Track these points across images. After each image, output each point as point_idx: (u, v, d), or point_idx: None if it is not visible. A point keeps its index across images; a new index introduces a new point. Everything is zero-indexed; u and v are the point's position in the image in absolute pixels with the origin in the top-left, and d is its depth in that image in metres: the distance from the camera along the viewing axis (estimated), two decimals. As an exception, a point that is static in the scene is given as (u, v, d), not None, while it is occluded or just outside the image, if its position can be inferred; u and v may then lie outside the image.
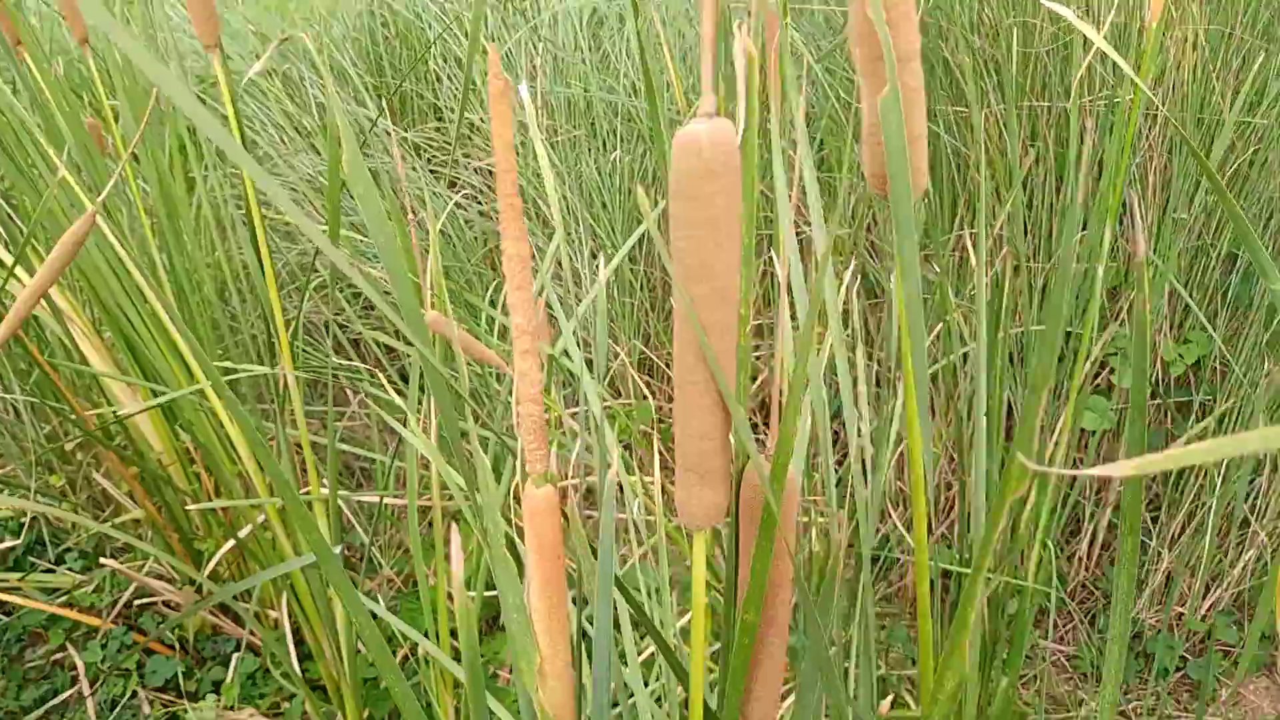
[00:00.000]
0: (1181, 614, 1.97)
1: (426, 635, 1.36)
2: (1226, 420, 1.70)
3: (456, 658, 1.39)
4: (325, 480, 1.29)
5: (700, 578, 0.42)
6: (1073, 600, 1.98)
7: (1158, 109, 1.66)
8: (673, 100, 2.24)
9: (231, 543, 1.39)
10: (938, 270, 1.68)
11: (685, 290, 0.34)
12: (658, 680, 0.98)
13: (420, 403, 1.25)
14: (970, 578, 0.33)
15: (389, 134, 2.58)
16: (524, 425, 0.37)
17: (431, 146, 2.57)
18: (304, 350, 2.03)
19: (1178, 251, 1.77)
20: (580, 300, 2.07)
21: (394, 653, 1.42)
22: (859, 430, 0.51)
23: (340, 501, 1.43)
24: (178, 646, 1.52)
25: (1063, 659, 1.95)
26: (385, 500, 1.41)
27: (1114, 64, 1.66)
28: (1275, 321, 1.73)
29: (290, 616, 1.49)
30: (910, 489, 0.46)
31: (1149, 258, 1.72)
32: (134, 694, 1.46)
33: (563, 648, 0.40)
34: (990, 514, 0.30)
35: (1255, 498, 1.86)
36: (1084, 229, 1.53)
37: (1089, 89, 1.71)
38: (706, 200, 0.33)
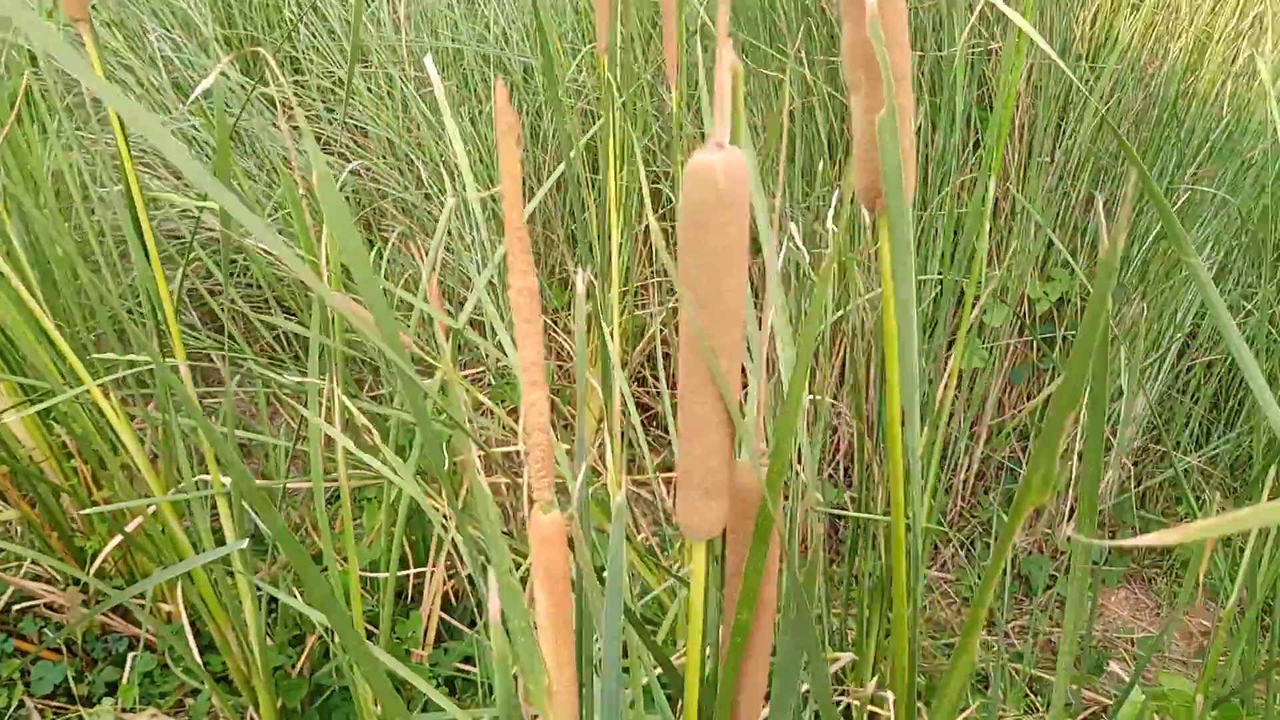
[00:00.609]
0: (1049, 534, 2.10)
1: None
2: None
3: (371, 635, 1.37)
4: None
5: (700, 586, 0.42)
6: (951, 528, 2.09)
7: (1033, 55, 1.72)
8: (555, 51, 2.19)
9: (119, 539, 1.33)
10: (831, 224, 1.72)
11: (695, 314, 0.34)
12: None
13: (322, 381, 1.21)
14: (982, 586, 0.35)
15: (243, 88, 2.45)
16: (532, 454, 0.37)
17: (293, 102, 2.45)
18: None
19: (1041, 191, 1.86)
20: (481, 266, 2.03)
21: (301, 639, 1.39)
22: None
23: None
24: (64, 649, 1.45)
25: (945, 585, 2.06)
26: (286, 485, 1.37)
27: (986, 13, 1.71)
28: (1136, 258, 1.84)
29: (187, 608, 1.43)
30: (890, 483, 0.47)
31: (1015, 196, 1.80)
32: (20, 704, 1.39)
33: (569, 667, 0.41)
34: (1007, 526, 0.32)
35: (1114, 422, 1.99)
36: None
37: (959, 37, 1.76)
38: (718, 229, 0.33)
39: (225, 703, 1.32)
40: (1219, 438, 2.10)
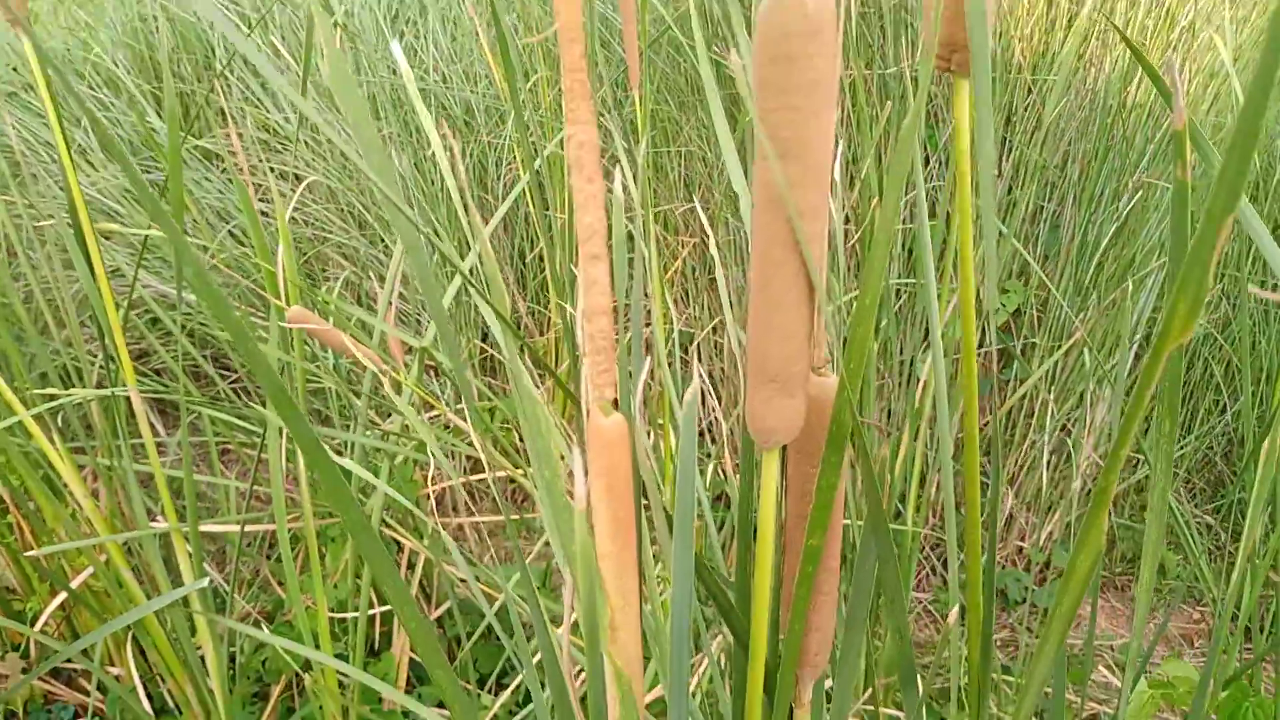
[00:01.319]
0: (1022, 547, 2.09)
1: (306, 664, 1.26)
2: (1049, 361, 1.81)
3: (342, 683, 1.29)
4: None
5: (770, 501, 0.38)
6: (925, 548, 2.06)
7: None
8: (491, 84, 2.18)
9: (63, 596, 1.24)
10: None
11: (777, 168, 0.31)
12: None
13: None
14: (1123, 428, 0.31)
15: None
16: (592, 343, 0.32)
17: (229, 153, 2.39)
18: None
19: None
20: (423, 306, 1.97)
21: (265, 693, 1.30)
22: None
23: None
24: (4, 723, 1.34)
25: (923, 606, 2.02)
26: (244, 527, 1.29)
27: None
28: (1090, 266, 1.85)
29: (139, 669, 1.34)
30: (964, 399, 0.44)
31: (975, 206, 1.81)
32: (-43, 784, 1.27)
33: (634, 597, 0.36)
34: (1145, 371, 0.29)
35: (1078, 426, 1.99)
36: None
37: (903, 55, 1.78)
38: (807, 62, 0.30)
39: (184, 767, 1.23)
40: (1178, 442, 2.12)
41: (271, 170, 2.32)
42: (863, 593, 0.41)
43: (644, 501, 0.39)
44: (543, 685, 1.16)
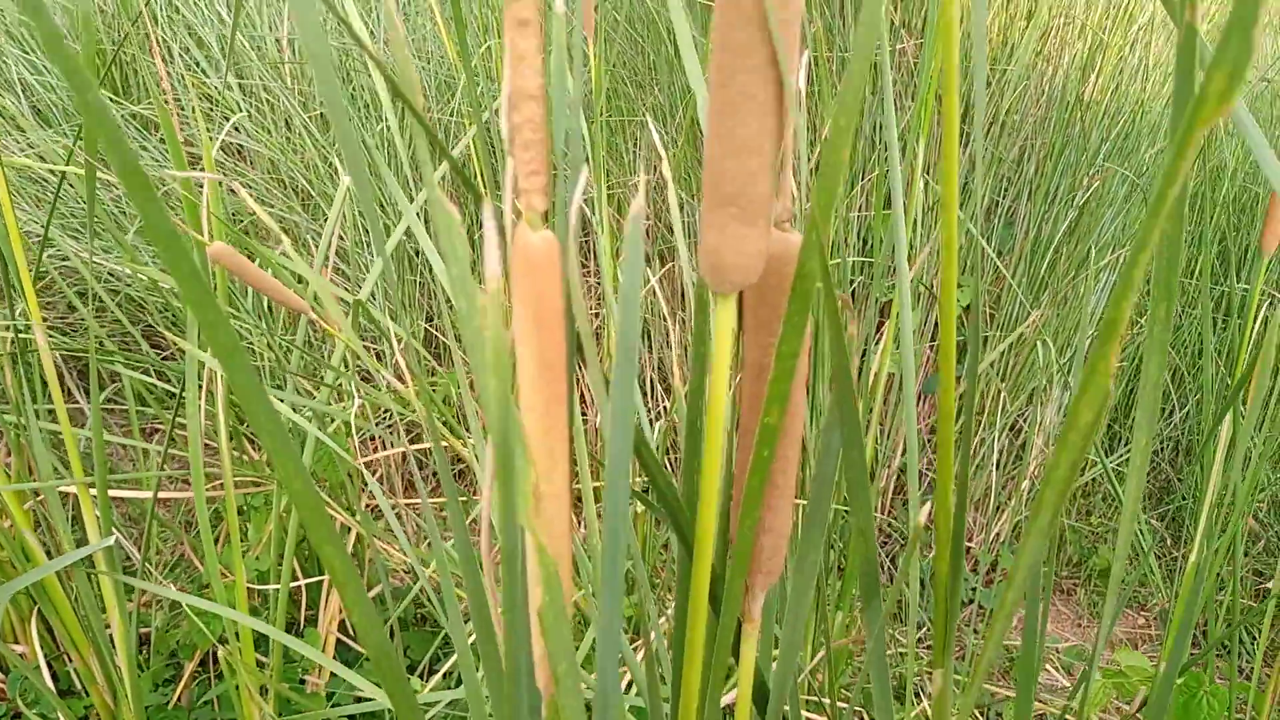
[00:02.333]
0: (969, 548, 2.06)
1: (223, 637, 1.18)
2: (1001, 345, 1.79)
3: (261, 663, 1.22)
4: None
5: (724, 360, 0.33)
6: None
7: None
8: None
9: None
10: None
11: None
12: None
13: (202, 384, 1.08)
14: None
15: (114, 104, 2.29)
16: (519, 137, 0.27)
17: (154, 81, 2.30)
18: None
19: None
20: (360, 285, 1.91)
21: (183, 663, 1.22)
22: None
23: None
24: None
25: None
26: (158, 495, 1.21)
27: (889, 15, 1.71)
28: (1043, 263, 1.84)
29: (43, 649, 1.25)
30: (942, 252, 0.39)
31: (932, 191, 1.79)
32: None
33: (562, 458, 0.31)
34: (1154, 205, 0.24)
35: (1028, 426, 1.98)
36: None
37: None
38: None
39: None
40: (1126, 443, 2.11)
41: (211, 140, 2.23)
42: (824, 482, 0.36)
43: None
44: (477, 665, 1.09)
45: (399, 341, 1.36)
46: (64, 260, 1.89)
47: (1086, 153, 1.80)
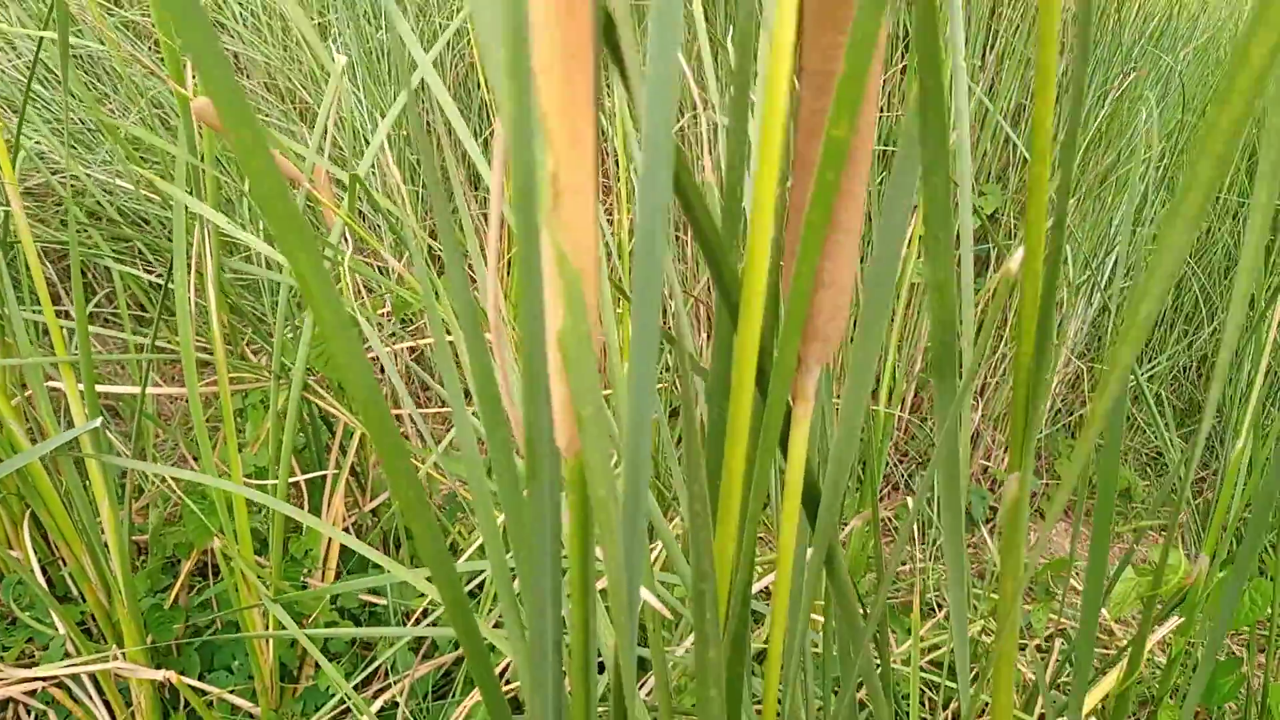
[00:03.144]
0: (987, 466, 2.02)
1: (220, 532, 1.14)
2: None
3: (260, 557, 1.17)
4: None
5: (785, 52, 0.27)
6: (889, 463, 1.98)
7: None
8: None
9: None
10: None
11: None
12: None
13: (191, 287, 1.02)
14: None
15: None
16: None
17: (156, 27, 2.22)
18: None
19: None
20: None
21: (179, 561, 1.18)
22: None
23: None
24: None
25: (885, 521, 1.94)
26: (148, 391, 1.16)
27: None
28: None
29: (36, 552, 1.21)
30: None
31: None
32: None
33: (589, 145, 0.25)
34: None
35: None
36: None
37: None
38: None
39: (89, 648, 1.10)
40: (1149, 362, 2.05)
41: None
42: (895, 226, 0.30)
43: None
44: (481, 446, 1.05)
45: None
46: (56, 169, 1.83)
47: (1119, 51, 1.72)
